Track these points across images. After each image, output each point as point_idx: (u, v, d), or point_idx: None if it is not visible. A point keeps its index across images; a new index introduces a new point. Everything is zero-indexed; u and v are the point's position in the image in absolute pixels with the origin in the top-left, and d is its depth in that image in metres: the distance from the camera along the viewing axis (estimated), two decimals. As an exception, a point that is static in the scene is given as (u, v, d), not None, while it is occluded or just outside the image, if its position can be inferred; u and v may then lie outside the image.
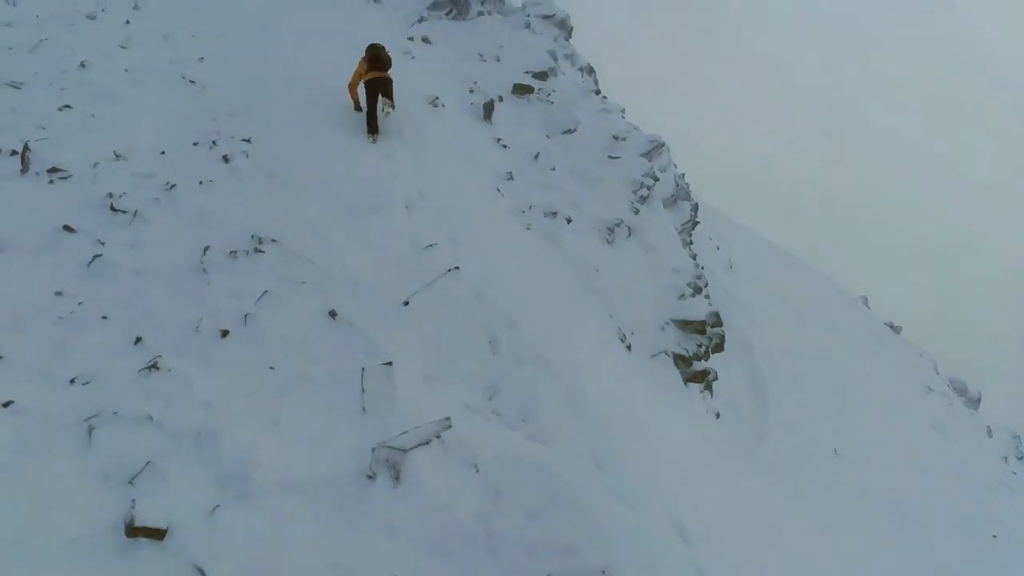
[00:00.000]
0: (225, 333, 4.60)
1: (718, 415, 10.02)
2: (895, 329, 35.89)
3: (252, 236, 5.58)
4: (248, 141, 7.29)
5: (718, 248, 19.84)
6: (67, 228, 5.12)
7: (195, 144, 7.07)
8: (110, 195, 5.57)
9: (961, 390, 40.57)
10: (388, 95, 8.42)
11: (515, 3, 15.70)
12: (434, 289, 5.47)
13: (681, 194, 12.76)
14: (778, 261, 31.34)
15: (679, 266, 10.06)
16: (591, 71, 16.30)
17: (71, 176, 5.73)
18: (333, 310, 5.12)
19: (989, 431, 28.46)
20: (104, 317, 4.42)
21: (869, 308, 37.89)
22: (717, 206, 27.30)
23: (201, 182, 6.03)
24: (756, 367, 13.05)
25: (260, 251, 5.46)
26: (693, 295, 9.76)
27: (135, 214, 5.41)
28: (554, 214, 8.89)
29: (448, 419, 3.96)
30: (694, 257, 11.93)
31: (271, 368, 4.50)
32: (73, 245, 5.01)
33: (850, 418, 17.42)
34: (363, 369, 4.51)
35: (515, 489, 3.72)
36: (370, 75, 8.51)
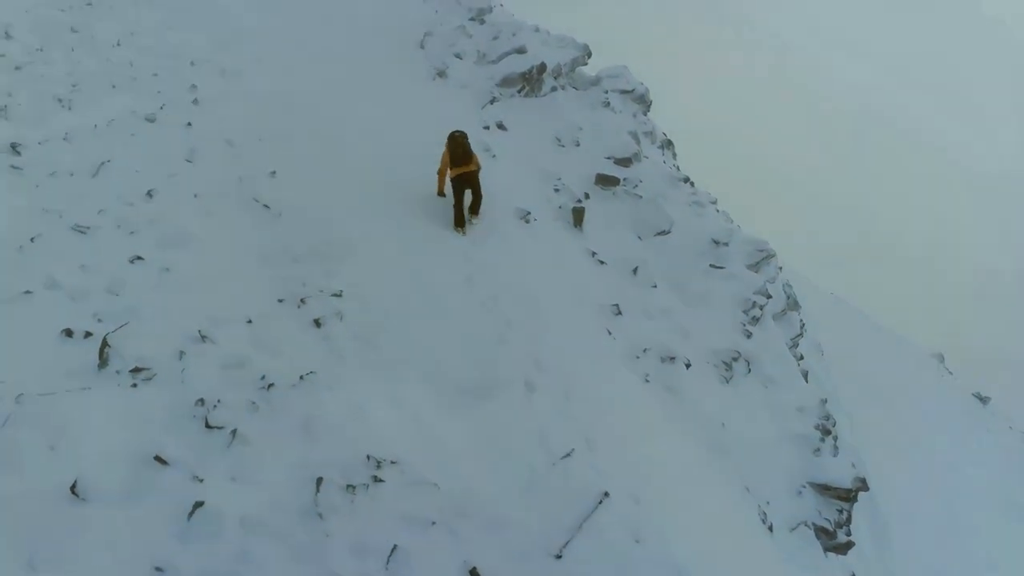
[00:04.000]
0: (358, 626, 3.99)
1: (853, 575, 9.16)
2: (983, 400, 34.26)
3: (368, 457, 5.01)
4: (339, 295, 6.81)
5: (803, 325, 18.94)
6: (159, 460, 4.59)
7: (280, 301, 6.62)
8: (202, 402, 5.06)
9: (1058, 459, 38.79)
10: (476, 189, 8.95)
11: (588, 72, 15.33)
12: (586, 532, 4.81)
13: (790, 304, 12.06)
14: (849, 321, 30.31)
15: (803, 404, 9.31)
16: (669, 144, 15.80)
17: (156, 375, 5.24)
18: (474, 568, 4.50)
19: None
20: (216, 612, 3.84)
21: (950, 372, 36.38)
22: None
23: (302, 377, 5.50)
24: (874, 499, 12.13)
25: (379, 480, 4.89)
26: (823, 439, 8.99)
27: (234, 434, 4.87)
28: (672, 359, 8.24)
29: None
30: (805, 375, 11.16)
31: None
32: (168, 486, 4.47)
33: (965, 539, 16.22)
34: None
35: None
36: (455, 171, 8.86)
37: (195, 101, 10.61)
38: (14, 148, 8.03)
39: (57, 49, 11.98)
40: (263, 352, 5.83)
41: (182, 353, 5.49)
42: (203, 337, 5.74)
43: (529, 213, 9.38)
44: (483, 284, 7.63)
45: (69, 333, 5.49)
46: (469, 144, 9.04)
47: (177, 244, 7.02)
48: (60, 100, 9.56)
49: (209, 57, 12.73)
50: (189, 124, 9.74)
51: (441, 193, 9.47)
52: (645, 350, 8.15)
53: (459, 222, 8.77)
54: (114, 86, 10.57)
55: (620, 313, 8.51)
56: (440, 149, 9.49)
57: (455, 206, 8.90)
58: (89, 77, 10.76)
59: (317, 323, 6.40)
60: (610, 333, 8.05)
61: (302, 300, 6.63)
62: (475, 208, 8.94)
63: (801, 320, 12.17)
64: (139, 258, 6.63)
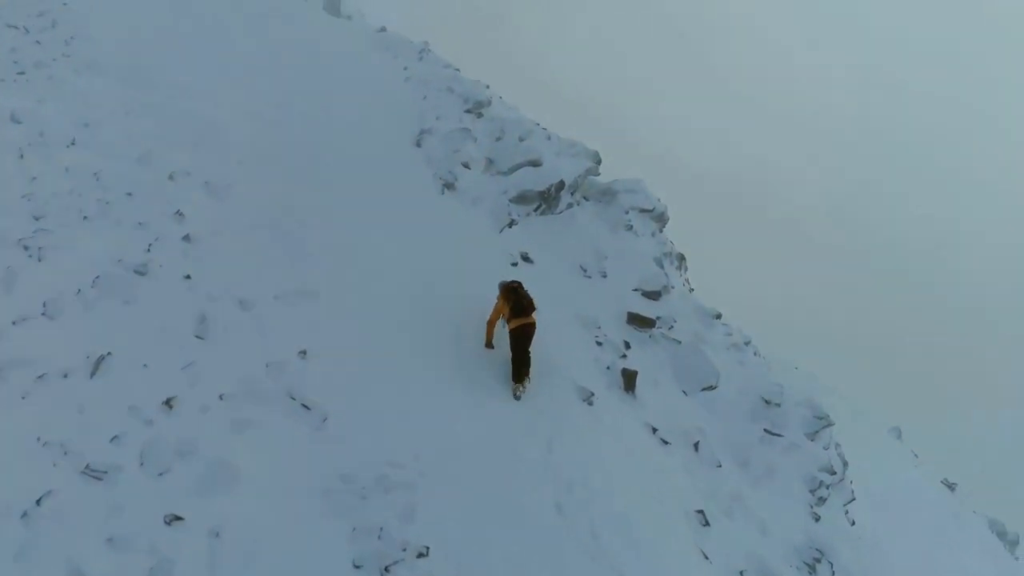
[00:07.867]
0: None
1: None
2: (951, 487, 35.54)
3: None
4: (426, 555, 5.97)
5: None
6: None
7: (358, 568, 5.75)
8: None
9: (1001, 533, 40.96)
10: (527, 344, 8.72)
11: (599, 181, 15.06)
12: None
13: (844, 468, 11.93)
14: (839, 410, 30.59)
15: (882, 602, 9.08)
16: (682, 259, 15.71)
17: None
18: None
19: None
20: None
21: (915, 455, 37.50)
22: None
23: None
24: None
25: None
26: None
27: None
28: (769, 581, 7.82)
29: None
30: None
31: None
32: None
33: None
34: None
35: None
36: (515, 323, 8.78)
37: (186, 237, 9.48)
38: (-17, 334, 6.79)
39: (2, 152, 10.60)
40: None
41: None
42: (292, 661, 4.80)
43: (593, 395, 8.83)
44: (575, 511, 6.97)
45: (118, 673, 4.45)
46: (531, 299, 8.99)
47: (219, 488, 6.02)
48: (26, 247, 8.30)
49: (188, 166, 11.55)
50: (188, 276, 8.66)
51: (490, 345, 9.30)
52: (742, 573, 7.69)
53: (517, 377, 8.59)
54: (85, 217, 9.34)
55: (707, 524, 8.03)
56: (479, 297, 9.68)
57: (513, 360, 8.73)
58: (52, 202, 9.49)
59: (409, 601, 5.56)
60: (707, 557, 7.54)
61: (386, 569, 5.76)
62: (526, 372, 8.63)
63: (851, 480, 12.09)
64: (178, 518, 5.60)
